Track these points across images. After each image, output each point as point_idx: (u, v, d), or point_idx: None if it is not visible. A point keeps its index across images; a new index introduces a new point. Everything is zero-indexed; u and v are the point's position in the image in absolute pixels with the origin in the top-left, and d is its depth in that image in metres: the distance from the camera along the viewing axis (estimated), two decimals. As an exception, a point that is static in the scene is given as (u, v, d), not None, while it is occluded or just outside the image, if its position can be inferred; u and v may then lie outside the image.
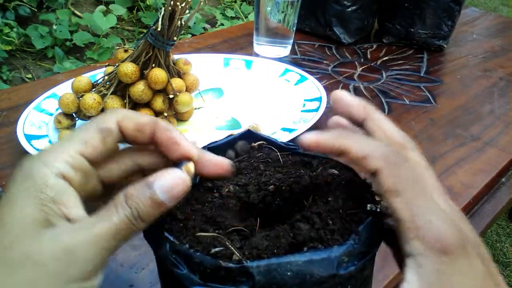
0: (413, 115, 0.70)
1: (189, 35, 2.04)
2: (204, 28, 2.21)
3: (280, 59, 0.83)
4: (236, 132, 0.35)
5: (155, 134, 0.26)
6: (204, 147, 0.30)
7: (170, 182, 0.23)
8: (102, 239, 0.22)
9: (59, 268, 0.21)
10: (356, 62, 0.86)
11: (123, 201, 0.23)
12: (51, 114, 0.60)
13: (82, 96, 0.55)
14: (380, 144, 0.25)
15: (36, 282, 0.20)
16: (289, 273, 0.23)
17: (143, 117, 0.26)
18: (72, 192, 0.23)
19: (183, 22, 0.56)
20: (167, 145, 0.26)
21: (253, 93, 0.71)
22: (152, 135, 0.26)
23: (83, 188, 0.24)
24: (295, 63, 0.83)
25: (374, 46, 0.94)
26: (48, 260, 0.20)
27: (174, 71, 0.60)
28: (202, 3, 0.61)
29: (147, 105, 0.59)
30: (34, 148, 0.52)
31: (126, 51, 0.60)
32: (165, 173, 0.23)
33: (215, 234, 0.25)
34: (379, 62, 0.87)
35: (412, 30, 0.91)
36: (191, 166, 0.26)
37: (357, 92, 0.75)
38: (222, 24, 2.27)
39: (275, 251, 0.24)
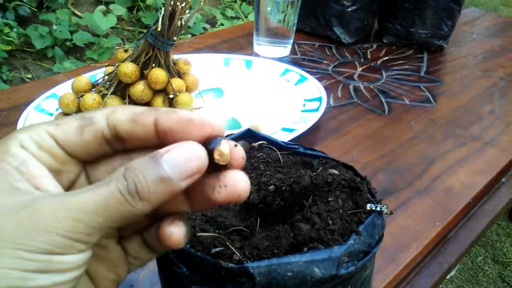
0: (413, 115, 0.70)
1: (189, 35, 2.04)
2: (204, 28, 2.21)
3: (280, 59, 0.83)
4: (236, 132, 0.35)
5: (158, 121, 0.21)
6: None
7: (182, 156, 0.19)
8: (81, 210, 0.18)
9: (9, 234, 0.17)
10: (356, 62, 0.86)
11: (121, 173, 0.19)
12: (51, 114, 0.60)
13: (82, 96, 0.55)
14: None
15: None
16: (289, 274, 0.23)
17: (138, 107, 0.21)
18: (38, 164, 0.20)
19: (183, 22, 0.56)
20: (180, 127, 0.20)
21: (253, 93, 0.71)
22: (154, 126, 0.21)
23: (56, 173, 0.21)
24: (295, 63, 0.83)
25: (374, 46, 0.94)
26: (4, 222, 0.17)
27: (174, 71, 0.60)
28: (202, 3, 0.61)
29: (147, 105, 0.59)
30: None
31: (126, 51, 0.60)
32: (178, 145, 0.19)
33: (216, 234, 0.25)
34: (379, 62, 0.87)
35: (412, 30, 0.91)
36: (223, 146, 0.20)
37: (357, 92, 0.75)
38: (222, 24, 2.27)
39: (276, 251, 0.24)
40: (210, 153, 0.20)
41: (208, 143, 0.20)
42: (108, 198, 0.18)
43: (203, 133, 0.20)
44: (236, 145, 0.21)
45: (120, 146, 0.22)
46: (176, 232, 0.21)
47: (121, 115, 0.21)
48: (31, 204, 0.18)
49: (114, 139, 0.21)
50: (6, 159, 0.19)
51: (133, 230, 0.23)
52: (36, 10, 1.93)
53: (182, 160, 0.19)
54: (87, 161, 0.22)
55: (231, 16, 2.40)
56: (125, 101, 0.57)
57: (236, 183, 0.21)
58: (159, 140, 0.21)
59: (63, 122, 0.21)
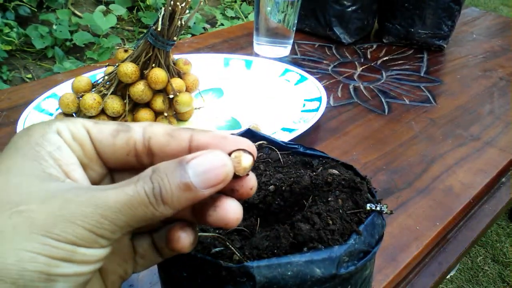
0: (413, 115, 0.70)
1: (189, 35, 2.04)
2: (204, 28, 2.21)
3: (280, 59, 0.83)
4: (236, 132, 0.35)
5: (194, 138, 0.21)
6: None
7: (207, 164, 0.19)
8: (108, 207, 0.18)
9: (42, 221, 0.17)
10: (356, 62, 0.86)
11: (148, 174, 0.19)
12: (51, 114, 0.60)
13: (82, 96, 0.55)
14: None
15: (16, 233, 0.17)
16: (289, 273, 0.23)
17: (176, 126, 0.22)
18: (71, 154, 0.20)
19: (183, 22, 0.56)
20: (215, 142, 0.21)
21: (253, 93, 0.71)
22: (189, 141, 0.21)
23: (83, 167, 0.21)
24: (295, 63, 0.83)
25: (374, 46, 0.94)
26: (37, 209, 0.17)
27: (174, 71, 0.60)
28: (202, 3, 0.61)
29: (147, 105, 0.59)
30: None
31: (126, 51, 0.60)
32: (205, 153, 0.19)
33: (216, 234, 0.25)
34: (379, 62, 0.87)
35: (412, 30, 0.91)
36: (244, 157, 0.20)
37: (357, 92, 0.75)
38: (222, 24, 2.27)
39: (276, 251, 0.24)
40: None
41: (230, 153, 0.21)
42: (134, 199, 0.18)
43: (235, 149, 0.21)
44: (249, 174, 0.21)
45: (147, 161, 0.22)
46: (184, 237, 0.22)
47: (158, 129, 0.22)
48: (62, 195, 0.18)
49: (145, 151, 0.22)
50: (42, 143, 0.20)
51: (145, 229, 0.24)
52: (36, 10, 1.93)
53: (207, 168, 0.19)
54: (112, 168, 0.23)
55: (231, 16, 2.40)
56: (125, 101, 0.57)
57: (227, 211, 0.21)
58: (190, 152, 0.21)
59: (101, 122, 0.22)
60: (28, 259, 0.17)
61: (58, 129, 0.20)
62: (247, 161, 0.21)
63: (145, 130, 0.22)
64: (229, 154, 0.20)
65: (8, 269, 0.16)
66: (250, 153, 0.21)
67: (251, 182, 0.22)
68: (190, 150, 0.21)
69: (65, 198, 0.18)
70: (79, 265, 0.18)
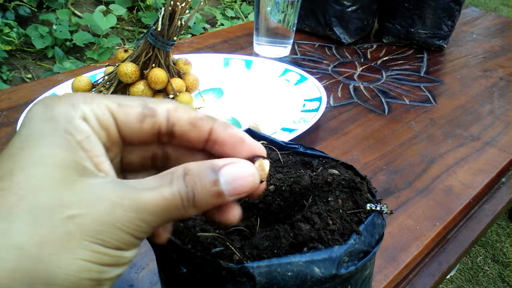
0: (413, 115, 0.70)
1: (189, 35, 2.04)
2: (204, 28, 2.21)
3: (280, 59, 0.83)
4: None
5: (214, 131, 0.22)
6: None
7: (238, 174, 0.20)
8: (147, 212, 0.18)
9: (92, 226, 0.17)
10: (356, 62, 0.86)
11: (181, 175, 0.19)
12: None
13: (82, 96, 0.55)
14: None
15: (71, 240, 0.17)
16: (289, 273, 0.23)
17: (198, 113, 0.22)
18: (99, 144, 0.20)
19: (183, 22, 0.56)
20: (232, 142, 0.22)
21: (253, 93, 0.71)
22: (209, 133, 0.22)
23: (106, 150, 0.21)
24: (295, 63, 0.83)
25: (374, 46, 0.94)
26: (86, 214, 0.17)
27: (174, 71, 0.60)
28: (202, 3, 0.61)
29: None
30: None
31: (126, 51, 0.60)
32: (235, 161, 0.20)
33: (216, 234, 0.25)
34: (379, 62, 0.87)
35: (412, 30, 0.91)
36: (266, 164, 0.22)
37: (357, 92, 0.75)
38: (222, 24, 2.27)
39: (276, 251, 0.24)
40: None
41: (251, 159, 0.22)
42: (170, 202, 0.19)
43: (249, 154, 0.22)
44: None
45: (166, 140, 0.22)
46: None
47: (183, 115, 0.21)
48: (106, 197, 0.18)
49: (166, 134, 0.22)
50: (71, 131, 0.19)
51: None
52: (36, 10, 1.93)
53: (237, 177, 0.20)
54: (126, 144, 0.22)
55: (231, 16, 2.40)
56: (125, 101, 0.57)
57: (229, 213, 0.23)
58: (206, 146, 0.22)
59: (125, 104, 0.21)
60: (85, 269, 0.17)
61: (84, 114, 0.19)
62: (268, 168, 0.22)
63: (169, 115, 0.21)
64: (252, 161, 0.22)
65: (68, 279, 0.17)
66: (268, 158, 0.22)
67: (264, 184, 0.23)
68: (208, 141, 0.22)
69: (111, 201, 0.18)
70: (120, 267, 0.19)
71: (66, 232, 0.17)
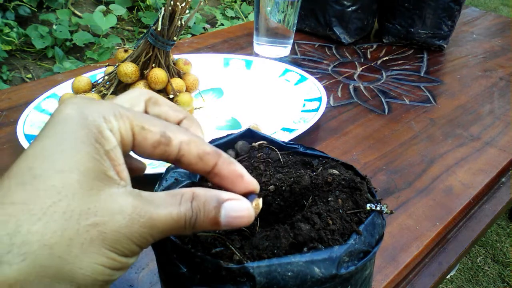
0: (413, 115, 0.70)
1: (189, 35, 2.04)
2: (204, 28, 2.21)
3: (280, 59, 0.83)
4: (236, 132, 0.35)
5: (217, 166, 0.24)
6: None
7: (238, 212, 0.22)
8: (156, 229, 0.21)
9: (111, 236, 0.19)
10: (356, 62, 0.86)
11: (190, 199, 0.22)
12: (51, 114, 0.60)
13: (82, 96, 0.55)
14: None
15: (92, 246, 0.19)
16: (289, 274, 0.23)
17: (208, 145, 0.24)
18: (121, 155, 0.22)
19: (183, 22, 0.56)
20: (231, 178, 0.24)
21: (253, 93, 0.71)
22: (213, 167, 0.24)
23: None
24: (295, 63, 0.83)
25: (374, 46, 0.94)
26: (107, 224, 0.19)
27: (174, 71, 0.60)
28: (202, 3, 0.61)
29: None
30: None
31: (126, 51, 0.60)
32: (237, 198, 0.23)
33: (216, 234, 0.25)
34: (379, 62, 0.87)
35: (412, 30, 0.91)
36: (260, 202, 0.25)
37: (357, 92, 0.75)
38: (222, 24, 2.27)
39: (276, 251, 0.24)
40: None
41: (246, 195, 0.24)
42: (176, 223, 0.21)
43: (245, 190, 0.24)
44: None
45: (171, 162, 0.24)
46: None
47: (193, 150, 0.23)
48: (127, 211, 0.20)
49: (174, 160, 0.24)
50: (101, 140, 0.21)
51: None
52: (36, 10, 1.93)
53: (236, 213, 0.22)
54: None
55: (231, 16, 2.40)
56: (125, 101, 0.57)
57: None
58: (207, 176, 0.24)
59: (147, 128, 0.22)
60: (99, 272, 0.19)
61: (112, 127, 0.21)
62: (261, 205, 0.25)
63: (181, 148, 0.23)
64: (246, 196, 0.24)
65: (85, 280, 0.19)
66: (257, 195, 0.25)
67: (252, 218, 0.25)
68: (210, 173, 0.24)
69: (130, 216, 0.20)
70: (123, 271, 0.21)
71: (90, 239, 0.19)
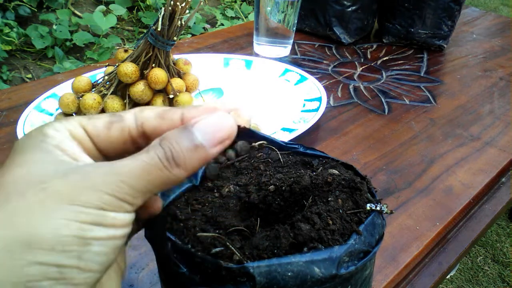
0: (413, 115, 0.70)
1: (189, 35, 2.04)
2: (204, 28, 2.21)
3: (280, 59, 0.83)
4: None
5: (185, 116, 0.22)
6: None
7: (214, 125, 0.21)
8: (126, 174, 0.19)
9: (66, 191, 0.18)
10: (356, 62, 0.86)
11: (157, 143, 0.20)
12: (51, 114, 0.60)
13: (82, 96, 0.55)
14: None
15: (45, 206, 0.18)
16: (289, 274, 0.23)
17: (166, 107, 0.23)
18: (76, 144, 0.21)
19: (183, 22, 0.56)
20: (206, 113, 0.22)
21: (253, 93, 0.71)
22: (181, 119, 0.22)
23: None
24: (295, 63, 0.83)
25: (374, 46, 0.94)
26: (60, 183, 0.19)
27: (174, 71, 0.60)
28: (202, 3, 0.61)
29: (147, 105, 0.59)
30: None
31: (126, 51, 0.60)
32: (205, 117, 0.21)
33: (216, 234, 0.25)
34: (379, 62, 0.87)
35: (412, 30, 0.91)
36: (243, 112, 0.23)
37: (357, 92, 0.75)
38: (222, 24, 2.27)
39: (276, 251, 0.24)
40: None
41: None
42: (149, 164, 0.20)
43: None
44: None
45: (144, 143, 0.23)
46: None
47: (149, 113, 0.23)
48: (82, 169, 0.19)
49: (140, 136, 0.23)
50: (46, 140, 0.20)
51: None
52: (36, 10, 1.93)
53: (212, 128, 0.21)
54: (113, 159, 0.23)
55: (231, 16, 2.40)
56: (125, 101, 0.57)
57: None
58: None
59: (95, 117, 0.22)
60: (62, 225, 0.18)
61: (56, 128, 0.21)
62: (245, 114, 0.23)
63: (136, 117, 0.22)
64: None
65: (44, 238, 0.17)
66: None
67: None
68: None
69: (85, 171, 0.19)
70: (109, 228, 0.19)
71: (38, 201, 0.18)
